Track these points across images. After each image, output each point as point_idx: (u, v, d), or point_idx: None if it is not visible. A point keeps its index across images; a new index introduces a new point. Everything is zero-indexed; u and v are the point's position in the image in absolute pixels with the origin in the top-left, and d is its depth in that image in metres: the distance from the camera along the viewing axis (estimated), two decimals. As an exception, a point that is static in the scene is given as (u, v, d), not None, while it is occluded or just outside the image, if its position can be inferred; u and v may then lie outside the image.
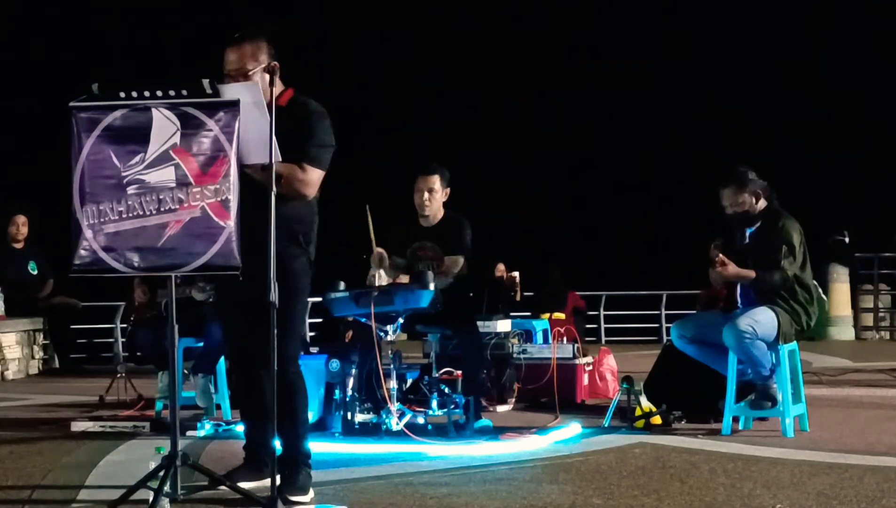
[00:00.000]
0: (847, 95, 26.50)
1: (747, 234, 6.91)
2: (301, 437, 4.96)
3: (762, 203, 6.84)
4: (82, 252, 4.55)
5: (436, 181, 7.24)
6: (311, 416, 6.19)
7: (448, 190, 7.32)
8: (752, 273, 6.66)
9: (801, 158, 26.14)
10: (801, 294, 6.71)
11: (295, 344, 5.00)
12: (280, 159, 4.60)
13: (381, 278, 6.92)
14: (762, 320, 6.57)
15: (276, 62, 4.88)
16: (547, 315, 11.93)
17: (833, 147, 26.42)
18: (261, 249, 4.49)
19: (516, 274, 10.53)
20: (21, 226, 11.77)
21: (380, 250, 6.94)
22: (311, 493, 4.88)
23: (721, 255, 6.72)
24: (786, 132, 27.07)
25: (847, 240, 17.39)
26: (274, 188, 4.51)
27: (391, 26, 27.86)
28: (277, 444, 4.68)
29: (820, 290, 16.22)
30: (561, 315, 9.02)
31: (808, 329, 6.87)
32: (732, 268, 6.65)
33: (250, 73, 4.86)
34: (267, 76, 4.75)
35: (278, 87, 4.86)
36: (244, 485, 4.83)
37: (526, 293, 13.21)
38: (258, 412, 5.08)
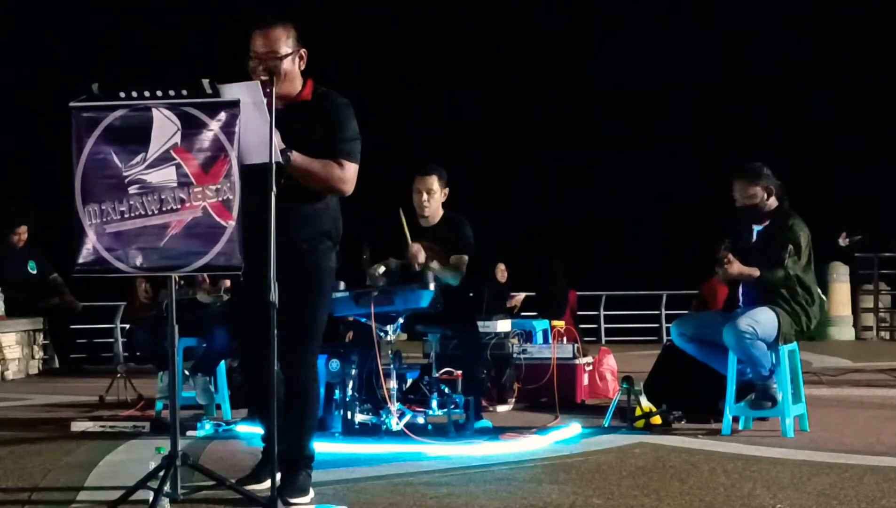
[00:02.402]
0: (848, 94, 26.51)
1: (755, 231, 6.89)
2: (307, 440, 4.94)
3: (773, 201, 6.82)
4: (85, 252, 4.55)
5: (434, 182, 7.25)
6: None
7: (447, 190, 7.32)
8: (756, 271, 6.65)
9: (802, 157, 26.14)
10: (803, 296, 6.71)
11: (314, 348, 4.95)
12: (279, 159, 4.59)
13: (381, 278, 6.93)
14: (763, 320, 6.57)
15: (304, 49, 4.86)
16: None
17: (833, 147, 26.42)
18: (283, 249, 4.49)
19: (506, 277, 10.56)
20: (22, 235, 11.86)
21: (416, 244, 6.96)
22: (312, 494, 4.88)
23: (729, 254, 6.68)
24: (787, 132, 27.08)
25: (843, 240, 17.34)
26: (274, 188, 4.50)
27: (391, 26, 27.87)
28: (283, 444, 4.69)
29: (819, 290, 16.21)
30: (560, 323, 9.02)
31: (807, 331, 6.87)
32: (737, 266, 6.63)
33: (283, 56, 4.77)
34: (296, 61, 4.76)
35: (300, 78, 4.85)
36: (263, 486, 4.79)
37: (526, 293, 13.17)
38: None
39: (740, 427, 6.78)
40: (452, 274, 7.11)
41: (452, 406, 6.58)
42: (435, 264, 7.00)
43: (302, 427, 4.90)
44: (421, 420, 6.62)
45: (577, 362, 8.40)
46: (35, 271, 11.83)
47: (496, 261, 12.65)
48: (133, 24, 26.03)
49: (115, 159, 4.54)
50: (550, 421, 7.20)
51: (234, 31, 5.07)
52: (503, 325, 8.26)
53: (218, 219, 4.50)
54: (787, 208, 6.85)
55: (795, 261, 6.66)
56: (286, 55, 4.79)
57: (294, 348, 4.68)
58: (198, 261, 4.52)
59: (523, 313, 11.76)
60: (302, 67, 4.87)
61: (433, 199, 7.25)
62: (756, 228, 6.89)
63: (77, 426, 6.97)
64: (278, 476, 4.82)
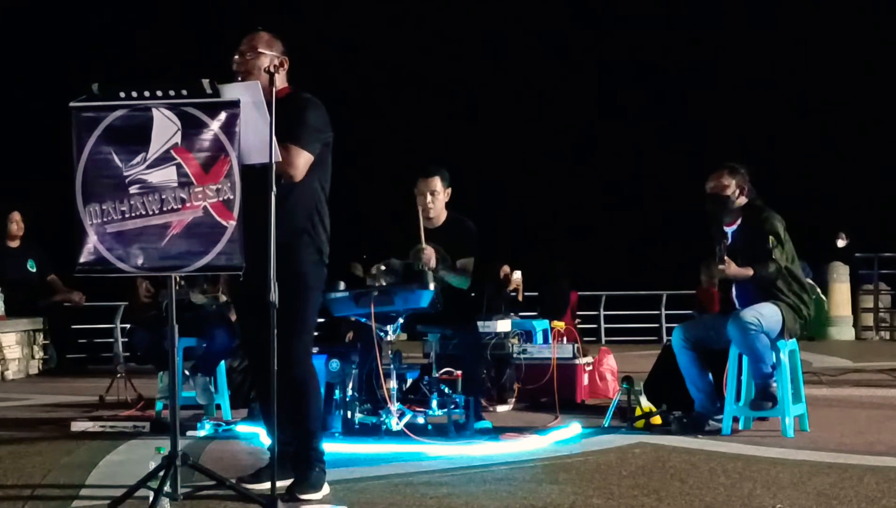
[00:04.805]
0: (848, 93, 26.51)
1: (729, 234, 6.91)
2: (313, 436, 4.96)
3: (742, 200, 6.87)
4: (86, 252, 4.55)
5: (437, 183, 7.27)
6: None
7: (449, 190, 7.34)
8: (749, 271, 6.67)
9: (801, 157, 26.15)
10: (795, 286, 6.74)
11: (305, 344, 4.98)
12: (279, 159, 4.61)
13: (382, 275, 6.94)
14: (767, 313, 6.58)
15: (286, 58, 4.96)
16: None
17: (832, 146, 26.43)
18: (267, 247, 4.50)
19: (518, 275, 10.55)
20: (19, 222, 11.77)
21: (429, 248, 6.98)
22: (326, 489, 4.89)
23: (725, 256, 6.69)
24: (786, 132, 27.09)
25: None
26: (274, 188, 4.51)
27: (390, 25, 27.87)
28: (290, 444, 4.70)
29: (819, 290, 16.22)
30: (561, 324, 9.02)
31: (808, 321, 6.87)
32: (734, 267, 6.65)
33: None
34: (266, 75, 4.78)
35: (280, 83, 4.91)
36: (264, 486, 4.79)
37: (528, 293, 13.15)
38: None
39: (740, 427, 6.78)
40: (459, 278, 7.16)
41: (452, 406, 6.58)
42: (441, 270, 7.03)
43: (306, 424, 4.92)
44: (421, 420, 6.61)
45: (577, 362, 8.40)
46: (35, 271, 11.80)
47: (498, 262, 12.63)
48: (133, 24, 26.03)
49: (116, 159, 4.54)
50: (550, 421, 7.20)
51: (235, 30, 5.09)
52: (503, 325, 8.26)
53: (219, 219, 4.51)
54: (756, 204, 6.87)
55: (781, 251, 6.69)
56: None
57: (284, 345, 4.65)
58: (199, 261, 4.53)
59: (523, 314, 11.74)
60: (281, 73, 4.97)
61: (437, 200, 7.27)
62: (728, 230, 6.90)
63: (77, 426, 6.97)
64: (290, 480, 4.85)
